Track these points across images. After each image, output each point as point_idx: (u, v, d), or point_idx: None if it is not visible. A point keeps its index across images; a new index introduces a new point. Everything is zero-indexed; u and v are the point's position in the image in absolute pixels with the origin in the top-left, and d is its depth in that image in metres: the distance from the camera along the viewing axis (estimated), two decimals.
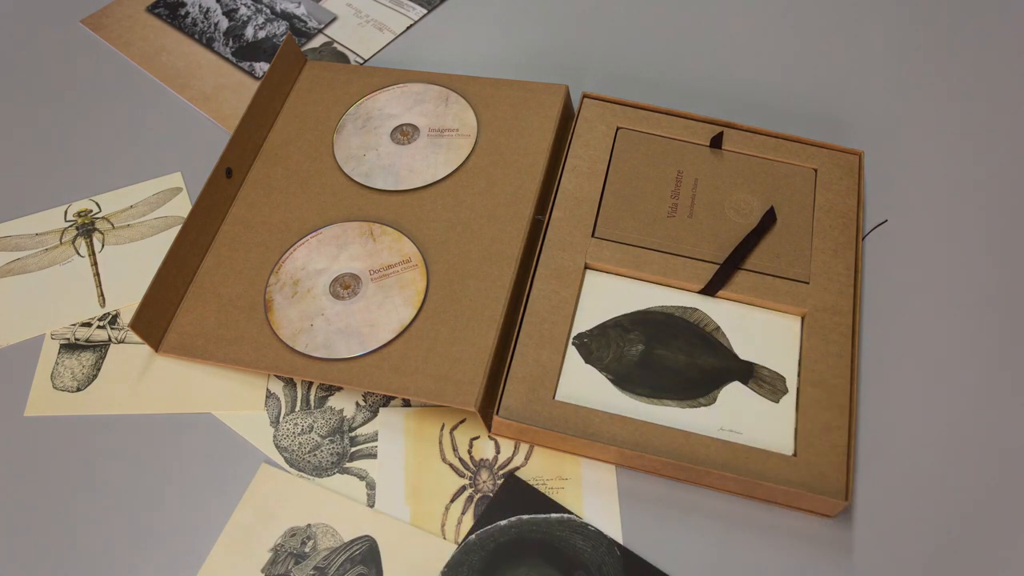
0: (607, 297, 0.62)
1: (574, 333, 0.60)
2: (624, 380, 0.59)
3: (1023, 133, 0.75)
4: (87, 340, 0.64)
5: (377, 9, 0.84)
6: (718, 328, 0.61)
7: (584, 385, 0.58)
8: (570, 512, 0.56)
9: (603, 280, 0.62)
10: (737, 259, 0.63)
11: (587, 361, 0.59)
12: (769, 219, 0.65)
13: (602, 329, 0.60)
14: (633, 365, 0.59)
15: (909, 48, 0.82)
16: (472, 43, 0.81)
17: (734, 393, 0.59)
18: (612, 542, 0.55)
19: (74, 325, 0.64)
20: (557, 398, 0.58)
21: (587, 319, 0.61)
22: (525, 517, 0.56)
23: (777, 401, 0.58)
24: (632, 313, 0.61)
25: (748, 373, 0.59)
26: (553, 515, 0.56)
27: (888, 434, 0.60)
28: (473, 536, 0.56)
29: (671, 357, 0.60)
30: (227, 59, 0.80)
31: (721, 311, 0.62)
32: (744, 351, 0.60)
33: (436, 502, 0.57)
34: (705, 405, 0.58)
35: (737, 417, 0.58)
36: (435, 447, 0.59)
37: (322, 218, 0.67)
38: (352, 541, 0.55)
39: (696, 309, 0.62)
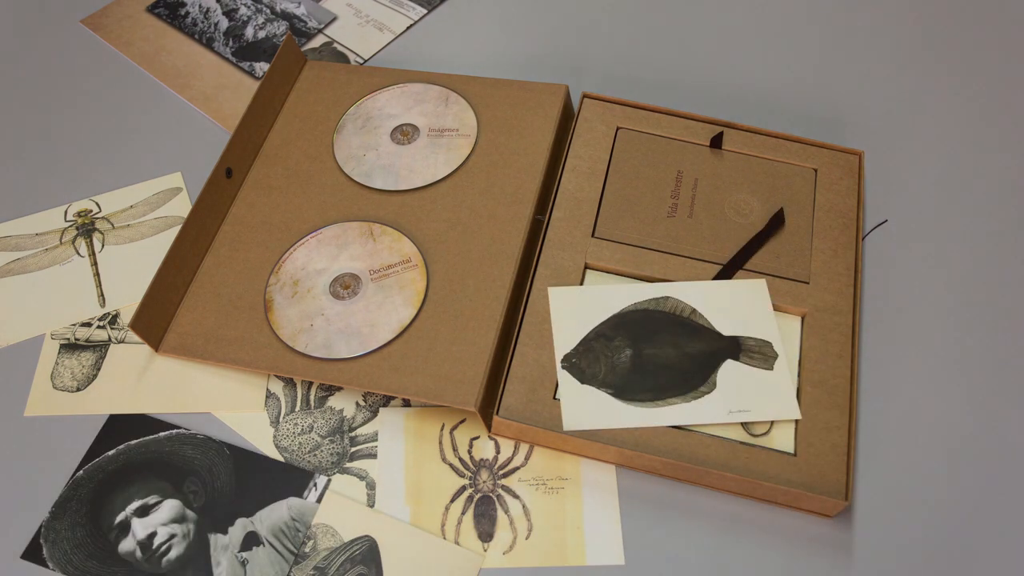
0: (579, 309, 0.60)
1: (558, 356, 0.59)
2: (624, 391, 0.58)
3: (1023, 133, 0.75)
4: (87, 340, 0.64)
5: (377, 9, 0.84)
6: (694, 311, 0.60)
7: (588, 408, 0.57)
8: (178, 427, 0.58)
9: (568, 294, 0.61)
10: (741, 261, 0.62)
11: (583, 382, 0.58)
12: (777, 221, 0.64)
13: (586, 344, 0.59)
14: (627, 372, 0.59)
15: (909, 48, 0.82)
16: (472, 43, 0.81)
17: (730, 372, 0.58)
18: (221, 443, 0.58)
19: (74, 325, 0.64)
20: (557, 398, 0.58)
21: (567, 338, 0.59)
22: (133, 443, 0.58)
23: (771, 368, 0.58)
24: (609, 319, 0.60)
25: (736, 348, 0.59)
26: (162, 433, 0.58)
27: (888, 434, 0.60)
28: (81, 472, 0.57)
29: (661, 353, 0.59)
30: (227, 59, 0.80)
31: (690, 292, 0.61)
32: (724, 326, 0.60)
33: (436, 502, 0.57)
34: (707, 392, 0.58)
35: (740, 395, 0.57)
36: (435, 447, 0.59)
37: (322, 218, 0.67)
38: (352, 541, 0.55)
39: (668, 297, 0.61)
